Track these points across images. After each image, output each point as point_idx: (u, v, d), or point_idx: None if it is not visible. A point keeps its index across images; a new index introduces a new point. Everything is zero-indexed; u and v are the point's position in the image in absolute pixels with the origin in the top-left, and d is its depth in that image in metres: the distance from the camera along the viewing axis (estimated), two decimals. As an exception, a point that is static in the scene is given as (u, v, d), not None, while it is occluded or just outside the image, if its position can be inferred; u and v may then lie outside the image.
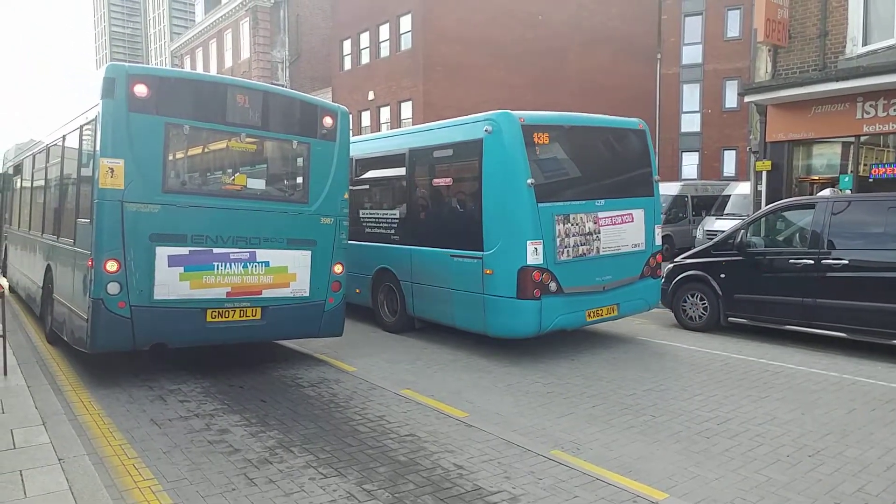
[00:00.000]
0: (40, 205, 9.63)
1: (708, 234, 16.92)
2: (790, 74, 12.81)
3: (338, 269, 7.38)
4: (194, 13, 49.97)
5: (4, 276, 12.89)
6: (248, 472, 4.47)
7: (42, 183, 9.76)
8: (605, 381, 7.06)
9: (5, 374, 6.21)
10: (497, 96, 25.66)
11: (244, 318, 6.77)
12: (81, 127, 7.15)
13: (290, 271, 7.00)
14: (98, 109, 6.24)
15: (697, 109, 30.93)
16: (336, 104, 7.82)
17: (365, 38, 27.45)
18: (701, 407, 6.11)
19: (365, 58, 27.69)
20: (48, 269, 8.32)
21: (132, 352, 6.61)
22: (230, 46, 38.14)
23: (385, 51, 26.49)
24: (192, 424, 5.41)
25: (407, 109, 25.43)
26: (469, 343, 8.82)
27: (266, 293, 6.85)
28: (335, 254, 7.34)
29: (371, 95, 26.36)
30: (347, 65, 28.82)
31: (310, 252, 7.12)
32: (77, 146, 7.42)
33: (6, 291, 6.57)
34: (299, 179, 7.48)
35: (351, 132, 7.98)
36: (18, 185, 12.17)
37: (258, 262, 6.77)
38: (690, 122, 31.16)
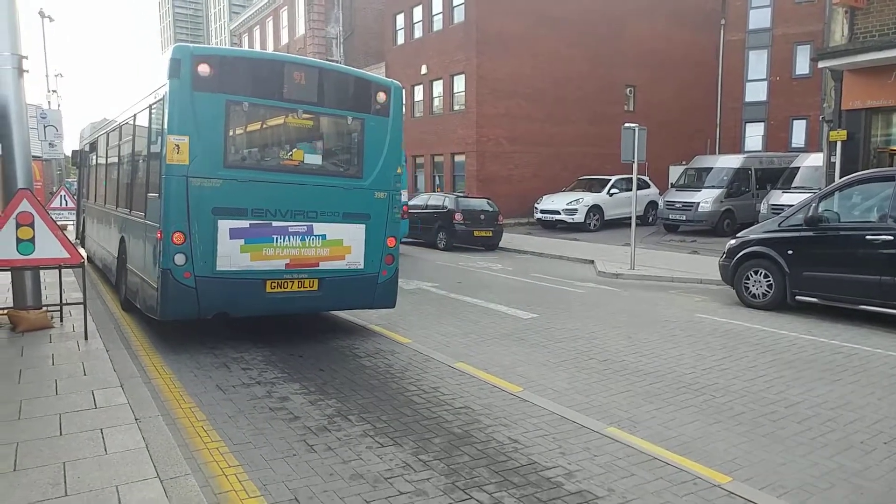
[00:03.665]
0: (114, 180, 10.09)
1: (773, 209, 16.27)
2: (868, 38, 12.04)
3: (391, 242, 7.47)
4: (251, -9, 50.58)
5: (83, 247, 13.59)
6: (307, 438, 4.62)
7: (115, 159, 10.20)
8: (662, 358, 6.94)
9: (86, 338, 6.58)
10: (551, 68, 25.18)
11: (302, 289, 6.99)
12: (150, 106, 7.42)
13: (345, 244, 7.17)
14: (165, 89, 6.48)
15: (764, 77, 29.52)
16: (389, 79, 7.84)
17: (418, 12, 27.26)
18: (766, 388, 5.93)
19: (418, 32, 27.53)
20: (122, 240, 8.74)
21: (197, 320, 6.89)
22: (286, 24, 38.60)
23: (438, 24, 26.26)
24: (255, 391, 5.61)
25: (460, 83, 25.22)
26: (524, 321, 8.81)
27: (322, 265, 7.05)
28: (388, 227, 7.44)
29: (424, 70, 26.24)
30: (400, 39, 28.73)
31: (364, 226, 7.26)
32: (146, 124, 7.70)
33: (84, 262, 6.93)
34: (354, 154, 7.57)
35: (404, 107, 8.01)
36: (94, 161, 12.73)
37: (315, 236, 6.97)
38: (756, 91, 29.79)
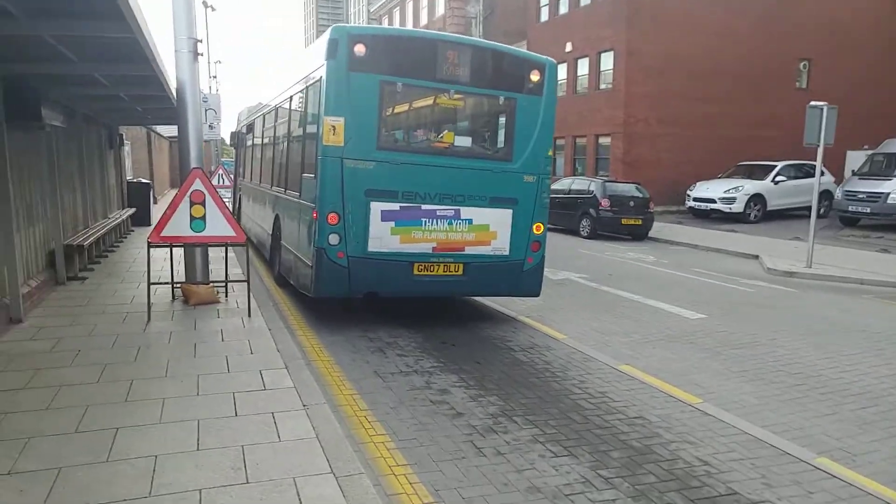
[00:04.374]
0: (269, 160, 10.46)
1: None
2: None
3: (538, 228, 7.18)
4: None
5: (238, 223, 14.38)
6: (474, 439, 4.31)
7: (270, 140, 10.57)
8: (871, 377, 5.93)
9: (249, 315, 6.77)
10: (711, 41, 23.17)
11: (447, 272, 6.92)
12: (307, 87, 7.48)
13: (491, 229, 6.98)
14: (323, 70, 6.49)
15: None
16: (544, 57, 7.41)
17: (564, -13, 26.20)
18: None
19: (563, 7, 26.47)
20: (276, 218, 9.04)
21: (348, 298, 7.00)
22: (426, 4, 38.91)
23: (586, -1, 25.06)
24: (413, 381, 5.41)
25: (608, 60, 23.94)
26: (691, 322, 7.99)
27: (468, 250, 6.92)
28: (536, 213, 7.15)
29: (568, 47, 25.20)
30: (544, 16, 27.81)
31: (511, 210, 7.03)
32: (302, 105, 7.80)
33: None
34: (504, 136, 7.29)
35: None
36: (250, 142, 13.40)
37: (462, 220, 6.84)
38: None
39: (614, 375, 5.83)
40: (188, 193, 6.78)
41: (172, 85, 7.81)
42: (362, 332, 6.94)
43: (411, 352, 6.31)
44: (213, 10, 31.95)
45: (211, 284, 7.41)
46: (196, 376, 4.84)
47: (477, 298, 8.91)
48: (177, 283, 7.42)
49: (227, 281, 7.61)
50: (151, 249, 6.81)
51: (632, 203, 16.76)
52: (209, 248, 7.78)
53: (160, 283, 7.23)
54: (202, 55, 7.68)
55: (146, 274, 6.77)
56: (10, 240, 6.10)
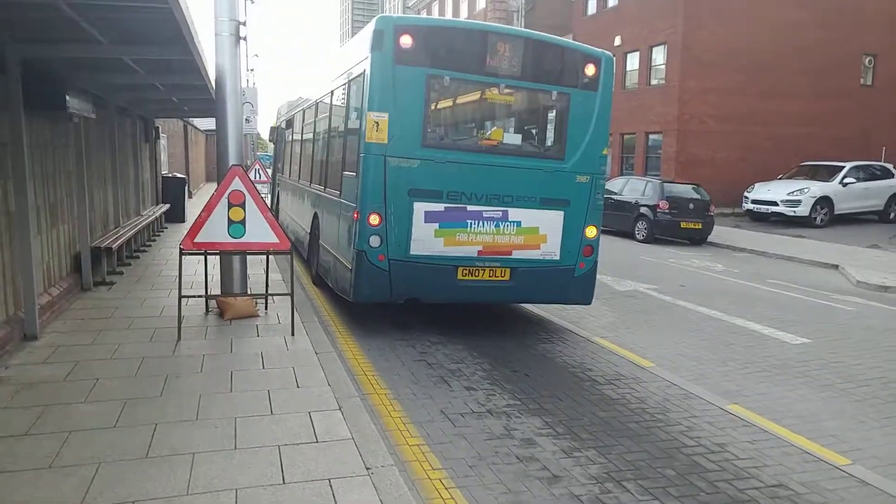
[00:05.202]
0: (309, 157, 10.01)
1: None
2: None
3: (591, 231, 6.74)
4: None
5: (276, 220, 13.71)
6: (584, 518, 3.37)
7: (311, 136, 10.10)
8: None
9: (292, 333, 5.94)
10: (772, 34, 21.75)
11: (493, 278, 6.49)
12: (349, 81, 7.03)
13: (540, 232, 6.55)
14: (367, 63, 6.12)
15: None
16: (600, 50, 6.83)
17: (614, -23, 24.96)
18: None
19: (612, 0, 25.22)
20: (315, 216, 8.63)
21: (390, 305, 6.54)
22: (466, -3, 37.92)
23: (638, -11, 23.79)
24: (490, 426, 4.49)
25: (659, 55, 22.67)
26: (793, 347, 6.93)
27: (516, 254, 6.51)
28: (589, 215, 6.70)
29: (618, 41, 23.96)
30: (591, 9, 26.61)
31: (562, 213, 6.60)
32: (344, 100, 7.37)
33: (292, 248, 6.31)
34: (556, 133, 6.86)
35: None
36: (290, 138, 12.82)
37: (510, 222, 6.43)
38: None
39: (726, 420, 4.85)
40: (226, 194, 5.97)
41: (211, 73, 7.02)
42: (419, 355, 6.05)
43: (479, 383, 5.39)
44: (253, 1, 31.43)
45: (249, 297, 6.59)
46: (233, 420, 3.99)
47: (541, 314, 7.98)
48: (211, 295, 6.63)
49: (267, 294, 6.78)
50: (184, 256, 6.00)
51: (691, 205, 15.58)
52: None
53: (192, 296, 6.41)
54: (244, 39, 6.86)
55: (178, 280, 5.98)
56: (27, 246, 5.35)
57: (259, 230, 6.05)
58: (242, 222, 6.01)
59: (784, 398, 5.39)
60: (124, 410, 4.08)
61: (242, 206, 6.01)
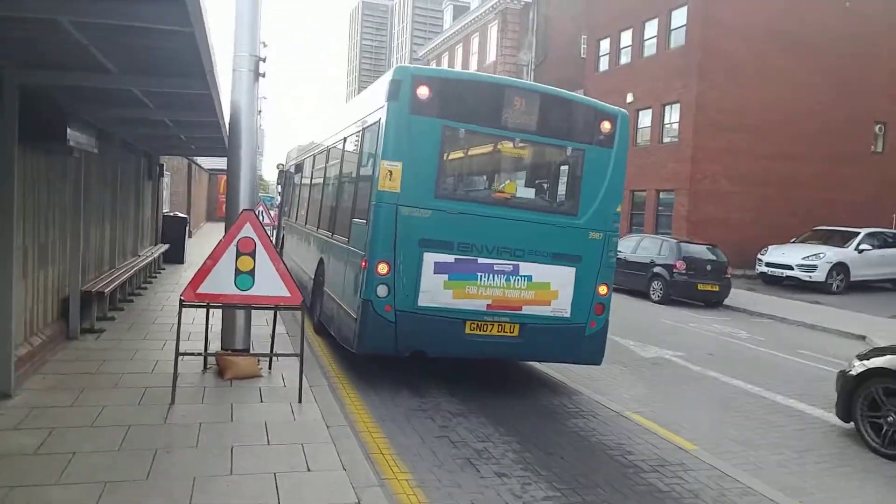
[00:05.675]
0: (317, 202, 9.84)
1: None
2: None
3: (602, 289, 6.59)
4: (440, 22, 51.86)
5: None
6: None
7: (320, 181, 9.91)
8: None
9: (300, 400, 5.29)
10: (785, 97, 21.75)
11: (502, 333, 6.32)
12: (363, 129, 6.93)
13: (552, 288, 6.39)
14: (383, 112, 6.06)
15: None
16: (615, 107, 6.81)
17: (626, 37, 25.10)
18: None
19: (625, 57, 25.35)
20: (321, 262, 8.42)
21: (396, 358, 6.30)
22: (476, 50, 38.40)
23: (651, 49, 23.90)
24: (531, 527, 3.83)
25: (672, 113, 22.60)
26: (849, 429, 6.29)
27: (526, 309, 6.32)
28: (601, 273, 6.57)
29: (630, 98, 23.93)
30: (603, 65, 26.73)
31: (574, 269, 6.45)
32: (357, 147, 7.22)
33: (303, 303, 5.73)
34: (570, 189, 6.77)
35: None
36: (298, 181, 12.54)
37: (520, 276, 6.28)
38: None
39: (799, 527, 4.19)
40: (235, 241, 5.42)
41: (225, 109, 6.58)
42: (440, 430, 5.40)
43: (511, 468, 4.74)
44: (265, 45, 31.57)
45: (253, 356, 5.96)
46: (233, 517, 3.33)
47: (564, 380, 7.37)
48: (211, 353, 5.99)
49: (272, 354, 6.16)
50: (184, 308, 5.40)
51: (709, 267, 15.09)
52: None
53: (190, 354, 5.75)
54: (263, 76, 6.45)
55: (174, 330, 5.39)
56: (7, 292, 4.75)
57: (269, 282, 5.48)
58: (251, 273, 5.44)
59: (855, 499, 4.74)
60: (102, 498, 3.41)
61: (252, 254, 5.46)
